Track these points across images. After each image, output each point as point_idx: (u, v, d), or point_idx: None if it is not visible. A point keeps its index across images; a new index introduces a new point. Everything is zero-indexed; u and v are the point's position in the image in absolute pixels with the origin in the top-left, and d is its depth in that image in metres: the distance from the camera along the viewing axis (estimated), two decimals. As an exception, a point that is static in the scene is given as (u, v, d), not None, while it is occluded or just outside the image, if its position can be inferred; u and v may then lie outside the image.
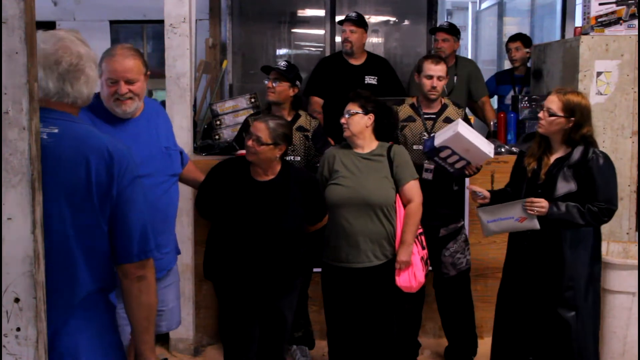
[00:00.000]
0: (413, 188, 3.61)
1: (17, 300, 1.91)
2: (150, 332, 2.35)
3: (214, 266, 3.42)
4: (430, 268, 4.10)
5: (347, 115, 3.59)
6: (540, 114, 3.51)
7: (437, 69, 4.01)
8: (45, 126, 2.06)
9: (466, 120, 4.13)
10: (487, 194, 3.69)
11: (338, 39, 6.53)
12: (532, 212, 3.44)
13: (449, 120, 4.06)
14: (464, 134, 3.70)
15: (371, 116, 3.60)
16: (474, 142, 3.74)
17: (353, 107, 3.59)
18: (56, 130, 2.10)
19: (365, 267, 3.56)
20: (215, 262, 3.41)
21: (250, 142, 3.28)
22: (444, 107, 4.15)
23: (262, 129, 3.28)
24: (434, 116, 4.10)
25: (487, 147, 3.81)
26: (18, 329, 1.92)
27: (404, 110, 4.14)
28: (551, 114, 3.44)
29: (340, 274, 3.61)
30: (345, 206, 3.53)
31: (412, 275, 3.58)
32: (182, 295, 3.84)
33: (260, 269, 3.31)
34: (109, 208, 2.15)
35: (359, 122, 3.57)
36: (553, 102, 3.45)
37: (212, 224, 3.46)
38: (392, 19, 6.90)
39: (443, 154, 3.80)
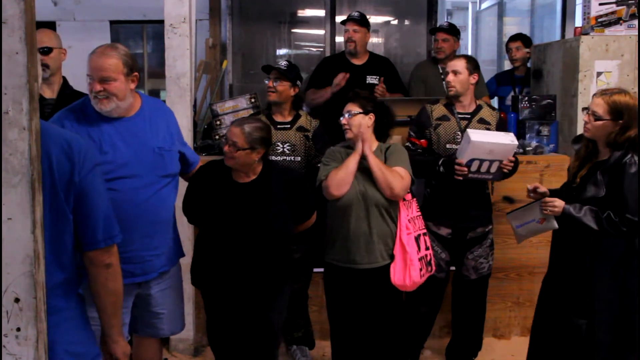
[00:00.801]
0: (399, 171, 3.53)
1: (17, 300, 1.91)
2: (117, 316, 2.44)
3: (200, 272, 3.40)
4: (452, 268, 4.14)
5: (347, 116, 3.58)
6: (585, 117, 3.40)
7: (450, 64, 4.04)
8: None
9: (501, 122, 4.12)
10: (560, 204, 3.42)
11: (339, 39, 6.54)
12: (547, 212, 3.42)
13: (483, 122, 4.05)
14: (479, 139, 3.72)
15: (372, 116, 3.59)
16: (492, 141, 3.75)
17: (353, 108, 3.58)
18: None
19: (373, 267, 3.55)
20: (201, 268, 3.39)
21: (227, 148, 3.26)
22: (478, 107, 4.11)
23: (237, 134, 3.25)
24: (469, 116, 4.07)
25: (507, 139, 3.81)
26: (18, 329, 1.92)
27: (438, 110, 4.11)
28: (597, 118, 3.32)
29: (346, 274, 3.59)
30: (353, 207, 3.51)
31: (406, 274, 3.57)
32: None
33: (246, 272, 3.29)
34: (73, 197, 2.19)
35: (361, 122, 3.56)
36: (599, 106, 3.32)
37: (200, 229, 3.44)
38: (392, 19, 6.91)
39: (473, 167, 3.81)
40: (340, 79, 4.92)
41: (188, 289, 4.25)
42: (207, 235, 3.36)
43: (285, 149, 4.03)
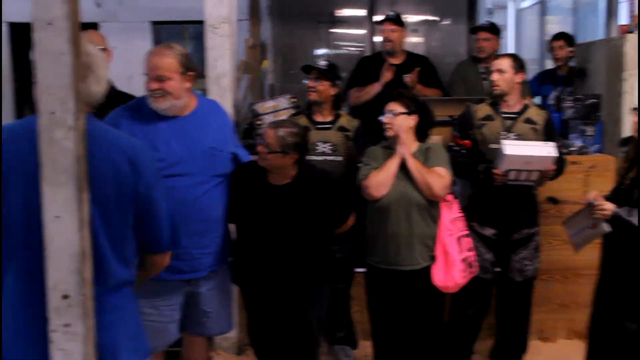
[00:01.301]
0: (438, 171, 3.52)
1: (65, 297, 1.95)
2: None
3: (239, 271, 3.42)
4: (498, 269, 4.08)
5: (390, 115, 3.56)
6: (635, 118, 3.35)
7: (495, 63, 4.00)
8: None
9: (549, 122, 4.05)
10: (610, 207, 3.33)
11: (378, 38, 6.51)
12: (596, 217, 3.36)
13: (530, 122, 3.98)
14: (514, 152, 3.66)
15: (415, 117, 3.57)
16: (529, 153, 3.68)
17: (397, 107, 3.56)
18: None
19: (414, 269, 3.54)
20: (240, 267, 3.41)
21: (260, 148, 3.27)
22: (525, 107, 4.04)
23: (271, 136, 3.25)
24: (514, 116, 4.00)
25: (544, 150, 3.73)
26: (67, 325, 1.96)
27: (482, 109, 4.06)
28: None
29: (387, 276, 3.58)
30: (393, 208, 3.50)
31: (448, 275, 3.54)
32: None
33: (282, 273, 3.30)
34: (137, 204, 2.24)
35: (403, 123, 3.54)
36: None
37: (238, 229, 3.46)
38: (432, 18, 6.86)
39: (511, 176, 3.77)
40: (385, 72, 4.91)
41: (232, 288, 4.29)
42: (244, 235, 3.38)
43: (325, 149, 4.03)
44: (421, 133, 3.66)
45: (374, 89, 4.90)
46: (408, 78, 4.92)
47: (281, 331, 3.42)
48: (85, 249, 1.96)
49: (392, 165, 3.50)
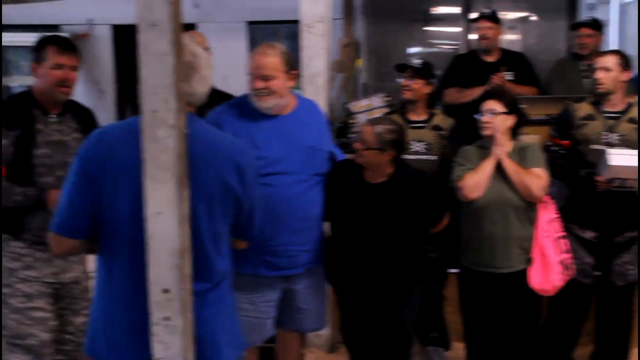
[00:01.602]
0: (536, 172, 3.44)
1: (166, 291, 2.00)
2: None
3: (333, 269, 3.42)
4: (598, 273, 3.93)
5: (488, 114, 3.49)
6: None
7: (600, 60, 3.84)
8: None
9: None
10: None
11: (473, 36, 6.40)
12: None
13: (634, 121, 3.80)
14: (619, 163, 3.53)
15: (513, 117, 3.49)
16: (634, 164, 3.53)
17: (497, 106, 3.48)
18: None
19: (510, 272, 3.47)
20: (334, 266, 3.41)
21: (357, 145, 3.27)
22: (628, 106, 3.86)
23: (369, 132, 3.24)
24: (617, 115, 3.83)
25: None
26: (167, 319, 2.01)
27: (583, 108, 3.90)
28: None
29: (482, 278, 3.52)
30: (489, 209, 3.44)
31: (546, 278, 3.45)
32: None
33: (376, 271, 3.29)
34: (236, 199, 2.29)
35: (502, 123, 3.46)
36: None
37: (332, 226, 3.46)
38: (530, 15, 6.68)
39: (616, 182, 3.64)
40: (495, 79, 4.82)
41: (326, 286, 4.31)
42: (339, 233, 3.38)
43: (419, 148, 3.98)
44: (514, 132, 3.58)
45: (476, 93, 4.81)
46: (495, 79, 4.81)
47: (375, 329, 3.41)
48: (185, 245, 2.01)
49: (488, 166, 3.44)
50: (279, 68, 3.04)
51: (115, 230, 2.16)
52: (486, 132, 3.48)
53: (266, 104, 3.06)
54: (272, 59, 3.03)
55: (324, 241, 3.34)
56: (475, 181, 3.43)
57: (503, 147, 3.44)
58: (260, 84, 3.02)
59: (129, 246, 2.15)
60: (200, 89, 2.29)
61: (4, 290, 3.13)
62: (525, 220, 3.46)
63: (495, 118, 3.45)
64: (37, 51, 3.10)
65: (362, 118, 4.63)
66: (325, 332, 4.40)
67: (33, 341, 3.12)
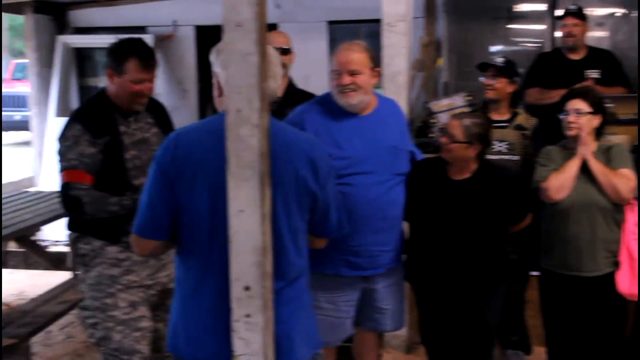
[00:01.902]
0: (624, 173, 3.33)
1: (247, 288, 2.03)
2: None
3: (414, 269, 3.40)
4: None
5: (574, 114, 3.40)
6: None
7: None
8: None
9: None
10: None
11: (559, 34, 6.23)
12: None
13: None
14: None
15: (600, 117, 3.39)
16: None
17: (583, 106, 3.38)
18: None
19: (596, 275, 3.38)
20: (416, 265, 3.39)
21: (444, 139, 3.25)
22: None
23: (456, 126, 3.23)
24: None
25: None
26: (248, 316, 2.04)
27: None
28: None
29: (566, 282, 3.44)
30: (574, 211, 3.36)
31: (635, 282, 3.34)
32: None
33: (460, 270, 3.25)
34: (311, 197, 2.30)
35: (588, 123, 3.37)
36: None
37: (412, 225, 3.44)
38: (620, 11, 6.45)
39: None
40: (585, 83, 4.69)
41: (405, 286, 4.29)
42: (421, 232, 3.36)
43: (502, 148, 3.91)
44: (600, 132, 3.48)
45: (559, 95, 4.69)
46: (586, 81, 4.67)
47: (456, 330, 3.37)
48: (266, 243, 2.04)
49: (573, 166, 3.35)
50: (365, 64, 3.04)
51: (193, 230, 2.20)
52: (571, 133, 3.39)
53: (352, 100, 3.04)
54: (359, 54, 3.03)
55: (404, 241, 3.33)
56: (561, 182, 3.35)
57: (589, 147, 3.35)
58: (347, 80, 3.01)
59: (205, 245, 2.20)
60: (273, 85, 2.32)
61: (107, 300, 3.13)
62: (612, 223, 3.37)
63: (581, 118, 3.36)
64: (117, 62, 3.05)
65: (443, 118, 4.59)
66: (402, 333, 4.39)
67: (137, 359, 3.15)
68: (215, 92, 2.31)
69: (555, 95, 4.70)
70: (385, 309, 3.27)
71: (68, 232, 3.26)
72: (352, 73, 3.01)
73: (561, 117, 3.43)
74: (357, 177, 3.02)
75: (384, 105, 3.21)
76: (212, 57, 2.29)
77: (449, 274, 3.27)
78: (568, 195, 3.36)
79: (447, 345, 3.42)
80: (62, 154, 3.03)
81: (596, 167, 3.32)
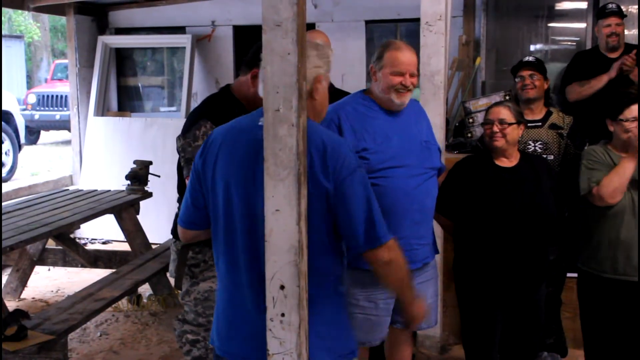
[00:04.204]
0: None
1: (282, 287, 2.02)
2: (406, 290, 2.45)
3: (465, 267, 3.41)
4: None
5: (631, 119, 3.31)
6: None
7: None
8: None
9: None
10: None
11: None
12: None
13: None
14: None
15: None
16: None
17: None
18: None
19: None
20: (467, 262, 3.39)
21: (495, 127, 3.28)
22: None
23: (504, 111, 3.31)
24: None
25: None
26: (283, 315, 2.04)
27: None
28: None
29: (612, 285, 3.38)
30: (625, 215, 3.30)
31: None
32: (430, 293, 3.86)
33: (520, 256, 3.27)
34: (326, 195, 2.17)
35: None
36: None
37: (458, 223, 3.43)
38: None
39: None
40: (617, 63, 4.65)
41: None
42: (474, 224, 3.35)
43: (537, 148, 3.87)
44: None
45: (601, 82, 4.64)
46: (627, 62, 4.60)
47: (499, 328, 3.38)
48: (302, 242, 2.03)
49: (628, 170, 3.27)
50: (417, 65, 3.13)
51: (216, 223, 2.29)
52: (626, 135, 3.31)
53: (406, 99, 3.09)
54: (415, 56, 3.10)
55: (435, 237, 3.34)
56: (615, 185, 3.28)
57: None
58: (409, 81, 3.04)
59: (222, 239, 2.27)
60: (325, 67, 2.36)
61: None
62: (658, 227, 3.30)
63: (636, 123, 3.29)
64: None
65: (480, 117, 4.54)
66: (436, 333, 4.36)
67: None
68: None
69: (595, 84, 4.64)
70: None
71: (172, 238, 3.15)
72: (412, 74, 3.06)
73: (623, 121, 3.35)
74: (395, 171, 3.03)
75: (411, 103, 3.23)
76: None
77: (505, 263, 3.27)
78: (622, 198, 3.31)
79: (490, 344, 3.40)
80: (192, 154, 2.88)
81: None
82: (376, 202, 2.25)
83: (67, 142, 9.19)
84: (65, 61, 7.68)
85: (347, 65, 6.70)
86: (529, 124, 3.90)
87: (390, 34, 7.10)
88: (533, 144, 3.88)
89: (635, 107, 3.32)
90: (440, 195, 3.29)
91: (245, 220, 2.19)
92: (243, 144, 2.22)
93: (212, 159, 2.26)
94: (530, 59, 4.04)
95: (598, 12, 5.04)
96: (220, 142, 2.27)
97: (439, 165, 3.27)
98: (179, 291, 3.21)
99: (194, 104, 7.19)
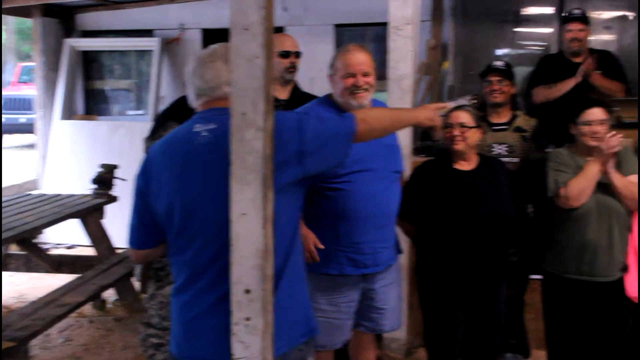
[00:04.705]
0: (636, 180, 3.33)
1: (247, 291, 2.01)
2: (402, 119, 2.70)
3: (427, 269, 3.43)
4: None
5: (597, 123, 3.36)
6: None
7: None
8: (203, 124, 2.18)
9: None
10: None
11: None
12: None
13: None
14: None
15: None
16: None
17: (605, 116, 3.37)
18: (213, 126, 2.17)
19: (609, 281, 3.37)
20: (428, 265, 3.42)
21: (456, 131, 3.29)
22: None
23: (464, 115, 3.32)
24: None
25: None
26: (248, 319, 2.02)
27: None
28: None
29: (576, 286, 3.44)
30: (591, 217, 3.35)
31: None
32: (396, 296, 3.87)
33: (479, 257, 3.28)
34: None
35: (606, 130, 3.34)
36: None
37: (421, 223, 3.45)
38: (628, 14, 6.44)
39: None
40: (583, 67, 4.69)
41: (401, 289, 4.27)
42: (434, 226, 3.36)
43: (501, 151, 3.91)
44: None
45: (567, 85, 4.70)
46: (583, 66, 4.67)
47: (466, 327, 3.40)
48: (268, 246, 2.02)
49: (594, 174, 3.32)
50: (372, 65, 3.10)
51: (171, 234, 2.26)
52: (594, 143, 3.36)
53: (365, 100, 3.07)
54: (367, 55, 3.09)
55: (398, 239, 3.34)
56: (581, 188, 3.33)
57: (613, 158, 3.31)
58: (362, 80, 3.04)
59: (182, 247, 2.23)
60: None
61: None
62: (625, 227, 3.37)
63: (603, 127, 3.34)
64: None
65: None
66: (402, 336, 4.37)
67: None
68: None
69: (561, 87, 4.71)
70: (383, 308, 3.26)
71: None
72: (365, 74, 3.04)
73: (582, 126, 3.40)
74: (359, 175, 3.03)
75: (376, 105, 3.22)
76: None
77: (466, 266, 3.29)
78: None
79: (452, 345, 3.41)
80: None
81: (619, 180, 3.31)
82: (329, 120, 2.35)
83: (32, 146, 9.05)
84: (31, 64, 7.59)
85: (316, 69, 6.64)
86: (495, 127, 3.95)
87: (360, 38, 7.11)
88: (498, 147, 3.92)
89: (592, 111, 3.38)
90: (402, 200, 3.31)
91: (202, 226, 2.16)
92: (184, 154, 2.18)
93: (156, 176, 2.24)
94: (500, 64, 4.07)
95: (564, 17, 5.11)
96: (161, 158, 2.25)
97: (401, 167, 3.28)
98: (145, 295, 3.19)
99: (162, 108, 7.14)
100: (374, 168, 3.07)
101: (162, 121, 3.02)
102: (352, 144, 2.32)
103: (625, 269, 3.35)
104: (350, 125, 2.31)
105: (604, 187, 3.33)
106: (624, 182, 3.30)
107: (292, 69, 3.76)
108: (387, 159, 3.15)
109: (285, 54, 3.71)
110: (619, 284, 3.37)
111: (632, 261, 3.35)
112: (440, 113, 2.85)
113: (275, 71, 3.58)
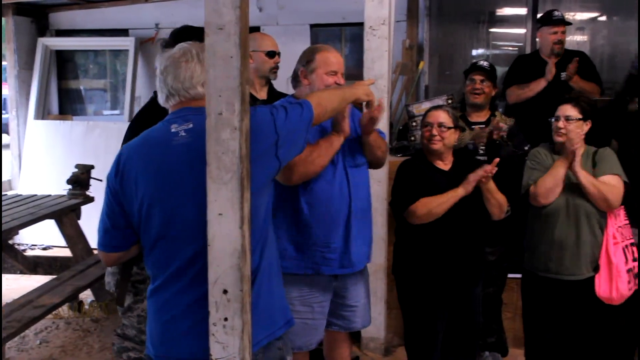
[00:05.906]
0: (611, 181, 3.35)
1: (225, 291, 2.01)
2: (345, 94, 2.73)
3: (403, 261, 3.44)
4: None
5: (563, 120, 3.41)
6: None
7: None
8: (180, 124, 2.17)
9: None
10: None
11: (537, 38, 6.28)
12: None
13: None
14: None
15: (589, 123, 3.41)
16: None
17: (573, 112, 3.40)
18: (191, 126, 2.17)
19: (578, 279, 3.40)
20: (405, 257, 3.43)
21: (434, 130, 3.31)
22: None
23: (443, 115, 3.35)
24: None
25: None
26: (225, 319, 2.02)
27: None
28: None
29: (547, 285, 3.46)
30: (560, 215, 3.38)
31: (613, 287, 3.36)
32: (374, 295, 3.88)
33: (455, 256, 3.30)
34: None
35: (578, 129, 3.38)
36: None
37: (398, 221, 3.46)
38: (600, 15, 6.51)
39: None
40: (552, 67, 4.73)
41: (379, 289, 4.29)
42: (409, 227, 3.37)
43: (479, 149, 3.95)
44: (591, 138, 3.50)
45: (539, 85, 4.75)
46: (566, 71, 4.71)
47: (441, 328, 3.41)
48: (245, 246, 2.02)
49: (560, 171, 3.36)
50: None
51: (147, 236, 2.23)
52: (559, 139, 3.40)
53: None
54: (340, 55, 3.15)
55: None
56: (549, 187, 3.36)
57: (579, 158, 3.34)
58: (341, 79, 3.09)
59: (159, 249, 2.21)
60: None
61: None
62: (596, 227, 3.39)
63: (570, 124, 3.37)
64: None
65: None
66: (380, 336, 4.39)
67: None
68: None
69: (533, 87, 4.75)
70: (354, 306, 3.27)
71: None
72: (342, 74, 3.11)
73: (551, 121, 3.44)
74: (328, 168, 3.03)
75: None
76: None
77: (441, 263, 3.31)
78: (558, 198, 3.38)
79: (432, 345, 3.43)
80: None
81: (585, 178, 3.32)
82: (291, 109, 2.33)
83: (5, 146, 8.95)
84: (4, 63, 7.52)
85: (292, 69, 6.69)
86: (473, 126, 3.99)
87: (335, 37, 7.12)
88: (474, 145, 3.95)
89: (561, 107, 3.42)
90: (395, 194, 3.33)
91: (182, 227, 2.15)
92: (162, 155, 2.16)
93: (131, 176, 2.20)
94: (485, 64, 4.11)
95: (543, 18, 5.12)
96: (136, 158, 2.22)
97: (364, 160, 3.23)
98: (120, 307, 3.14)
99: (137, 108, 7.09)
100: (337, 161, 3.07)
101: (143, 120, 2.99)
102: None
103: (597, 268, 3.39)
104: (310, 111, 2.37)
105: (575, 186, 3.36)
106: (591, 181, 3.32)
107: (276, 68, 3.76)
108: (350, 152, 3.14)
109: (271, 54, 3.71)
110: (589, 283, 3.39)
111: (603, 262, 3.38)
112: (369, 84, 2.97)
113: (263, 70, 3.61)
